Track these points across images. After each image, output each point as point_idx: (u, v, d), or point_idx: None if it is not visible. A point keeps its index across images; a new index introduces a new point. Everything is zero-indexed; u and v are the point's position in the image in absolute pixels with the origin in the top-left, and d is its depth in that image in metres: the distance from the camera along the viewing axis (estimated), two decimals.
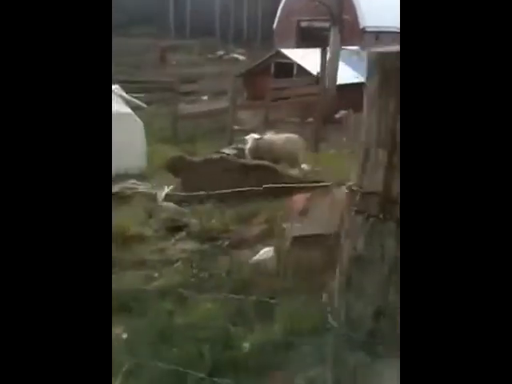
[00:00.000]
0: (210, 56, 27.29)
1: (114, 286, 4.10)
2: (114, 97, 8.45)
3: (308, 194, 4.45)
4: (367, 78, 1.63)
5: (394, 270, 1.58)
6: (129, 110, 9.08)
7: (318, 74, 13.75)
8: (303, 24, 24.77)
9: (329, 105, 13.02)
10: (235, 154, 8.08)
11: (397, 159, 1.59)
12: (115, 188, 6.38)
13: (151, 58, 24.21)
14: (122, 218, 5.28)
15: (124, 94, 9.99)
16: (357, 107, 10.25)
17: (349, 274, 1.82)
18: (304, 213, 4.33)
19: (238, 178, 5.78)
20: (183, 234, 5.06)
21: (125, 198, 6.03)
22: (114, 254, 4.65)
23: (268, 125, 12.41)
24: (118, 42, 21.39)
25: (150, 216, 5.41)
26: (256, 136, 7.53)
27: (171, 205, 5.53)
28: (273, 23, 26.50)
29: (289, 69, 16.28)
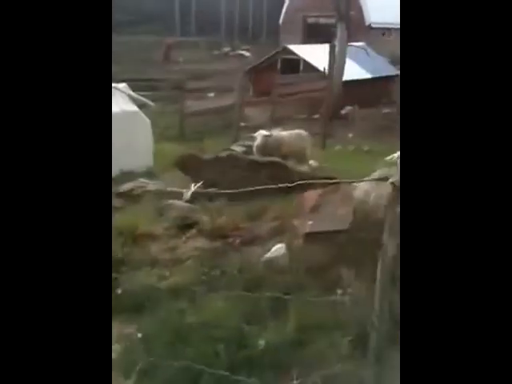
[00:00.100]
0: (215, 53, 27.23)
1: (125, 285, 4.11)
2: (121, 95, 8.44)
3: (319, 191, 4.42)
4: None
5: None
6: (136, 109, 9.07)
7: (324, 69, 13.67)
8: (309, 20, 24.67)
9: (335, 101, 12.96)
10: (244, 151, 8.05)
11: None
12: (125, 187, 6.39)
13: (157, 56, 24.18)
14: (133, 217, 5.29)
15: (131, 92, 9.97)
16: (362, 103, 10.21)
17: (392, 272, 1.81)
18: (315, 209, 4.32)
19: (248, 175, 5.76)
20: (194, 231, 5.04)
21: (134, 196, 6.02)
22: (124, 253, 4.68)
23: (274, 121, 12.36)
24: (123, 41, 21.43)
25: (161, 214, 5.40)
26: (265, 133, 7.50)
27: (181, 203, 5.51)
28: (278, 19, 26.40)
29: (295, 65, 16.22)
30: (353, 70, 15.36)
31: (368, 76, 15.99)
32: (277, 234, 4.43)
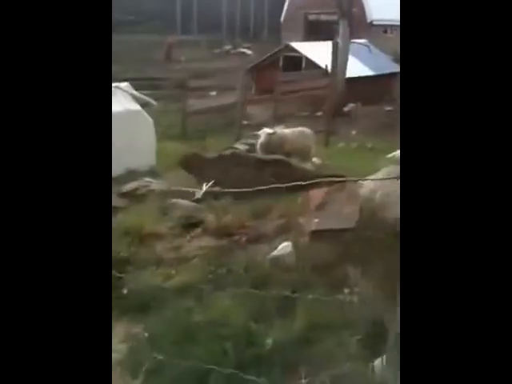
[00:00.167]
0: (216, 51, 27.20)
1: (131, 285, 4.11)
2: (123, 94, 8.43)
3: (325, 189, 4.41)
4: None
5: None
6: (138, 108, 9.07)
7: (326, 67, 13.65)
8: (311, 17, 24.64)
9: (338, 98, 12.93)
10: (247, 150, 8.05)
11: None
12: (129, 186, 6.38)
13: (159, 55, 24.17)
14: (138, 217, 5.28)
15: (134, 91, 9.97)
16: (365, 100, 10.18)
17: None
18: (321, 207, 4.30)
19: (252, 173, 5.75)
20: (199, 230, 5.04)
21: (139, 196, 6.02)
22: (130, 252, 4.68)
23: (277, 119, 12.35)
24: (125, 40, 21.42)
25: (166, 213, 5.40)
26: (269, 131, 7.48)
27: (186, 202, 5.50)
28: (279, 17, 26.37)
29: (297, 62, 16.19)
30: (355, 67, 15.33)
31: (370, 73, 15.96)
32: (283, 232, 4.42)
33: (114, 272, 4.17)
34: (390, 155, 8.16)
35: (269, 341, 3.19)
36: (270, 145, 7.24)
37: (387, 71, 16.08)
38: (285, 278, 3.78)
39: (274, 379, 3.03)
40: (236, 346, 3.23)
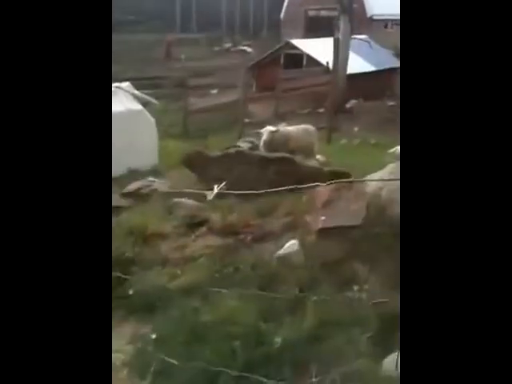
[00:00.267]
0: (216, 49, 27.17)
1: (137, 286, 4.08)
2: (125, 94, 8.42)
3: (331, 186, 4.38)
4: None
5: None
6: (140, 107, 9.07)
7: (327, 63, 13.62)
8: (311, 13, 24.59)
9: (340, 94, 12.90)
10: (249, 148, 8.01)
11: None
12: (132, 186, 6.37)
13: (158, 54, 24.17)
14: (142, 216, 5.26)
15: (135, 91, 9.97)
16: (367, 96, 10.15)
17: None
18: (327, 205, 4.28)
19: (257, 171, 5.73)
20: (204, 229, 5.01)
21: (143, 195, 6.00)
22: (135, 252, 4.66)
23: (279, 116, 12.33)
24: (124, 40, 21.40)
25: (170, 213, 5.37)
26: (272, 128, 7.46)
27: (190, 201, 5.48)
28: (279, 14, 26.32)
29: (298, 59, 16.16)
30: (356, 63, 15.30)
31: (372, 69, 15.92)
32: (289, 231, 4.39)
33: (119, 272, 4.17)
34: (391, 150, 8.14)
35: (278, 339, 3.16)
36: (274, 142, 7.21)
37: (388, 66, 16.04)
38: (293, 276, 3.75)
39: (284, 378, 3.01)
40: (245, 346, 3.21)
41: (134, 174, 7.40)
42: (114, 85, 8.06)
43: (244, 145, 8.35)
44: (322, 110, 12.62)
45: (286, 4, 26.15)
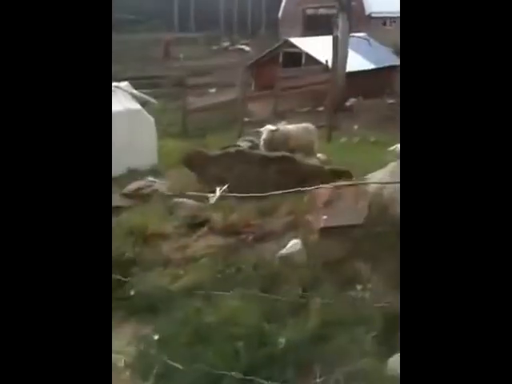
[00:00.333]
0: (214, 48, 27.13)
1: (139, 287, 4.05)
2: (123, 94, 8.40)
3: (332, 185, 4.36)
4: None
5: None
6: (139, 107, 9.05)
7: (326, 62, 13.60)
8: (309, 11, 24.56)
9: (339, 93, 12.87)
10: (249, 147, 7.99)
11: None
12: (132, 186, 6.34)
13: (157, 53, 24.13)
14: (142, 217, 5.24)
15: (134, 90, 9.95)
16: (366, 94, 10.11)
17: None
18: (329, 204, 4.26)
19: (257, 171, 5.71)
20: (205, 229, 4.99)
21: (143, 195, 5.98)
22: (135, 253, 4.64)
23: (278, 115, 12.31)
24: (122, 39, 21.35)
25: (171, 213, 5.35)
26: (272, 128, 7.44)
27: (191, 201, 5.46)
28: (277, 12, 26.28)
29: (297, 58, 16.12)
30: (355, 61, 15.27)
31: (371, 67, 15.87)
32: (290, 230, 4.37)
33: (120, 273, 4.15)
34: (391, 148, 8.10)
35: (282, 340, 3.15)
36: (274, 141, 7.19)
37: (388, 64, 16.01)
38: (295, 276, 3.73)
39: (287, 379, 2.99)
40: (248, 347, 3.19)
41: (133, 174, 7.37)
42: (112, 84, 8.04)
43: (244, 144, 8.32)
44: (321, 109, 12.60)
45: (283, 2, 26.11)
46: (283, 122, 8.72)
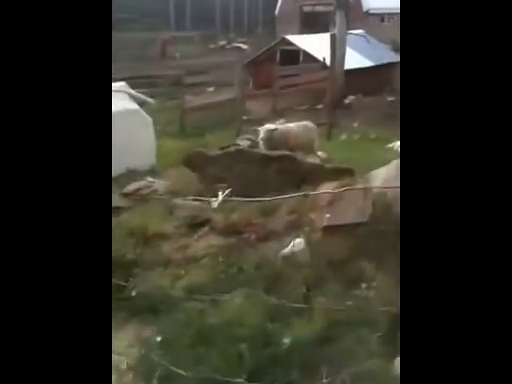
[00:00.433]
0: (211, 46, 27.11)
1: (140, 287, 4.02)
2: (121, 94, 8.36)
3: (335, 184, 4.33)
4: None
5: None
6: (136, 107, 9.02)
7: (324, 59, 13.57)
8: (306, 9, 24.52)
9: (338, 90, 12.84)
10: (249, 145, 7.96)
11: None
12: (132, 186, 6.30)
13: (153, 52, 24.10)
14: (143, 217, 5.21)
15: (131, 90, 9.91)
16: (365, 91, 10.13)
17: None
18: (332, 202, 4.22)
19: (258, 170, 5.68)
20: (206, 229, 4.96)
21: (143, 196, 5.95)
22: (136, 254, 4.60)
23: (277, 113, 12.29)
24: (119, 38, 21.29)
25: (171, 213, 5.32)
26: (272, 126, 7.41)
27: (191, 201, 5.42)
28: (274, 10, 26.25)
29: (295, 56, 16.07)
30: (354, 59, 15.23)
31: (370, 64, 15.83)
32: (293, 229, 4.34)
33: (121, 275, 4.11)
34: (389, 145, 8.11)
35: (286, 340, 3.11)
36: (274, 140, 7.16)
37: (386, 61, 15.98)
38: (299, 275, 3.70)
39: (292, 381, 2.96)
40: (252, 348, 3.15)
41: (132, 174, 7.34)
42: None
43: (243, 143, 8.30)
44: (320, 106, 12.58)
45: (280, 0, 26.07)
46: (282, 120, 8.71)
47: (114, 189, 5.56)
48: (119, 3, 22.02)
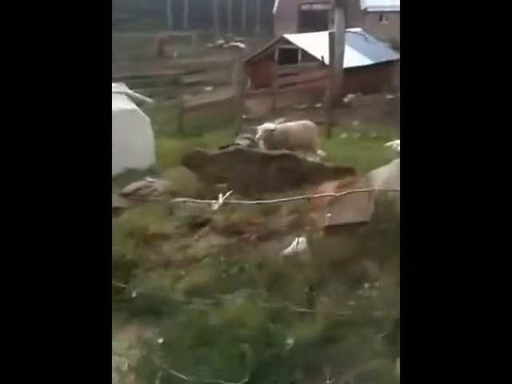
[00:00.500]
0: (209, 45, 27.10)
1: (140, 288, 3.99)
2: (118, 94, 8.34)
3: (336, 183, 4.31)
4: None
5: None
6: (134, 107, 9.00)
7: (322, 58, 13.55)
8: (304, 7, 24.51)
9: (337, 89, 12.82)
10: (248, 145, 7.94)
11: None
12: (132, 186, 6.28)
13: (151, 52, 24.07)
14: (143, 217, 5.18)
15: (128, 90, 9.88)
16: (365, 90, 10.13)
17: None
18: (333, 202, 4.20)
19: (259, 169, 5.65)
20: (206, 229, 4.93)
21: (143, 196, 5.92)
22: (136, 254, 4.57)
23: (276, 112, 12.27)
24: (116, 38, 21.27)
25: (171, 213, 5.29)
26: (271, 126, 7.39)
27: (191, 201, 5.40)
28: (272, 9, 26.23)
29: (293, 55, 16.04)
30: (352, 57, 15.21)
31: (368, 62, 15.81)
32: (295, 229, 4.31)
33: (121, 275, 4.08)
34: (388, 143, 8.09)
35: (289, 341, 3.08)
36: (274, 139, 7.14)
37: (385, 59, 15.97)
38: (301, 275, 3.67)
39: (295, 381, 2.94)
40: (254, 348, 3.13)
41: (131, 174, 7.32)
42: None
43: (242, 142, 8.27)
44: (319, 105, 12.56)
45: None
46: (281, 119, 8.69)
47: (113, 189, 5.54)
48: (117, 3, 22.02)
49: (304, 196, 2.99)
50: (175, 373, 2.86)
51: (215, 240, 4.69)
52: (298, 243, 3.90)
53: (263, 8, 30.41)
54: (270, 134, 7.28)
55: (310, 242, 3.99)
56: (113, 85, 8.24)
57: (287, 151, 6.11)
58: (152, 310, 3.83)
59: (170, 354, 3.26)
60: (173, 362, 3.12)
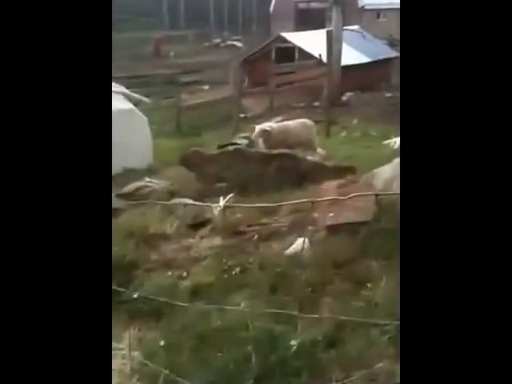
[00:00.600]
0: (206, 45, 27.08)
1: (141, 289, 3.94)
2: (115, 94, 8.35)
3: (337, 182, 4.28)
4: None
5: None
6: (131, 106, 8.99)
7: (320, 56, 13.54)
8: (301, 5, 24.48)
9: (335, 87, 12.81)
10: (246, 144, 7.92)
11: None
12: (131, 187, 6.26)
13: (147, 52, 24.05)
14: (142, 218, 5.16)
15: (125, 90, 9.87)
16: (363, 88, 10.13)
17: None
18: (335, 201, 4.16)
19: (258, 169, 5.63)
20: (206, 229, 4.90)
21: (142, 196, 5.90)
22: (136, 255, 4.54)
23: (273, 111, 12.26)
24: (113, 38, 21.21)
25: (171, 213, 5.27)
26: (271, 125, 7.37)
27: (191, 201, 5.37)
28: (268, 7, 26.19)
29: (290, 53, 16.03)
30: (350, 55, 15.20)
31: (366, 60, 15.81)
32: (297, 228, 4.28)
33: (122, 276, 4.04)
34: (385, 142, 8.09)
35: (293, 343, 3.05)
36: (273, 138, 7.12)
37: (383, 57, 15.97)
38: (304, 275, 3.64)
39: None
40: (258, 351, 3.09)
41: (129, 174, 7.33)
42: None
43: (241, 141, 8.25)
44: (317, 104, 12.55)
45: None
46: (278, 118, 8.67)
47: (113, 189, 5.51)
48: (113, 3, 21.98)
49: (307, 199, 2.96)
50: (178, 372, 2.83)
51: (216, 240, 4.66)
52: (300, 243, 3.87)
53: (260, 6, 30.38)
54: (269, 132, 7.26)
55: (312, 241, 3.96)
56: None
57: (287, 150, 6.09)
58: (153, 311, 3.80)
59: (172, 355, 3.23)
60: (174, 365, 3.08)
